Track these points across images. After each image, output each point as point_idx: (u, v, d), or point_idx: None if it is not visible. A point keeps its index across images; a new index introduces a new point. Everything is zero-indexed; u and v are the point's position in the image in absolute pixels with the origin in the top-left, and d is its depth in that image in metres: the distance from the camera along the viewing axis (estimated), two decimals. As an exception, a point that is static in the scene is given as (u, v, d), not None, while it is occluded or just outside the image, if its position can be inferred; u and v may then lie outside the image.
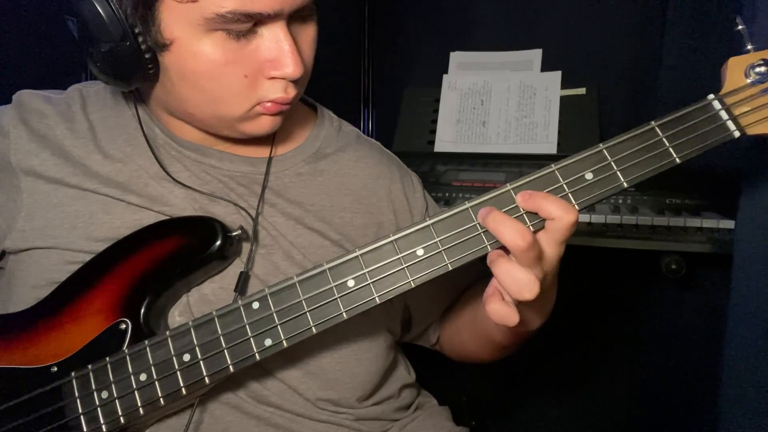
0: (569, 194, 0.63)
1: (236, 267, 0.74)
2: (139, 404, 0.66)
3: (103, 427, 0.66)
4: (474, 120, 1.55)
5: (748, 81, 0.64)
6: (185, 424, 0.69)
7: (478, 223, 0.63)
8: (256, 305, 0.65)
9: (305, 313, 0.64)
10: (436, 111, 1.59)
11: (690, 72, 1.33)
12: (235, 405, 0.73)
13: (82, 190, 0.73)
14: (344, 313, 0.64)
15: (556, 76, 1.53)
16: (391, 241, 0.64)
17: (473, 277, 0.90)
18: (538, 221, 0.63)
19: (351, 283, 0.64)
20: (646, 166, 0.63)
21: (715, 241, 1.12)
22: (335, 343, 0.76)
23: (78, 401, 0.67)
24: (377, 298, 0.64)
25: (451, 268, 0.64)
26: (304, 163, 0.82)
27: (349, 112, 1.73)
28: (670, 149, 0.63)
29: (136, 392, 0.66)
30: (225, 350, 0.65)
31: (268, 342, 0.65)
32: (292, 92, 0.71)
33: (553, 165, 0.64)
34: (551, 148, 1.45)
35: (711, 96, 0.65)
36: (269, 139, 0.80)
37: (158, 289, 0.70)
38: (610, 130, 1.46)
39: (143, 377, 0.66)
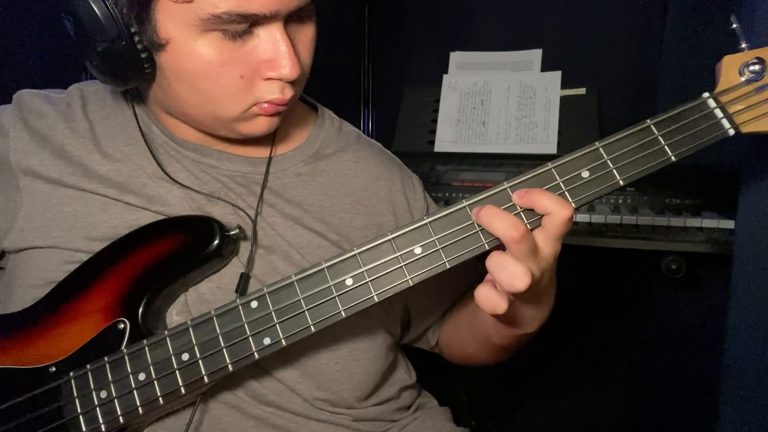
0: (566, 192, 0.64)
1: (234, 266, 0.74)
2: (138, 404, 0.66)
3: (102, 426, 0.66)
4: (474, 120, 1.55)
5: (743, 79, 0.64)
6: (185, 425, 0.69)
7: (475, 222, 0.64)
8: (254, 304, 0.66)
9: (304, 312, 0.65)
10: (436, 111, 1.59)
11: (690, 72, 1.33)
12: (234, 405, 0.73)
13: (80, 190, 0.73)
14: (342, 312, 0.64)
15: (556, 76, 1.53)
16: (389, 240, 0.64)
17: (472, 279, 0.90)
18: (535, 219, 0.64)
19: (349, 281, 0.64)
20: (642, 164, 0.64)
21: (715, 241, 1.12)
22: (333, 344, 0.76)
23: (77, 401, 0.67)
24: (375, 297, 0.64)
25: (449, 266, 0.64)
26: (303, 163, 0.82)
27: (349, 112, 1.72)
28: (666, 147, 0.64)
29: (134, 392, 0.66)
30: (224, 349, 0.65)
31: (266, 341, 0.65)
32: (289, 93, 0.71)
33: (549, 163, 0.64)
34: (551, 148, 1.45)
35: (706, 94, 0.65)
36: (269, 139, 0.80)
37: (156, 289, 0.70)
38: (610, 130, 1.45)
39: (142, 377, 0.66)
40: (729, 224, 1.11)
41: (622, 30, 1.56)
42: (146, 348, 0.67)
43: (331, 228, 0.80)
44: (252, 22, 0.65)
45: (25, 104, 0.78)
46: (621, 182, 0.64)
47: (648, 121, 0.65)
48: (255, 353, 0.65)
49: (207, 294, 0.73)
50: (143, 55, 0.66)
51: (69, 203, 0.73)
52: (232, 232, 0.71)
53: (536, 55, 1.59)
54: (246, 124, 0.72)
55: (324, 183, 0.82)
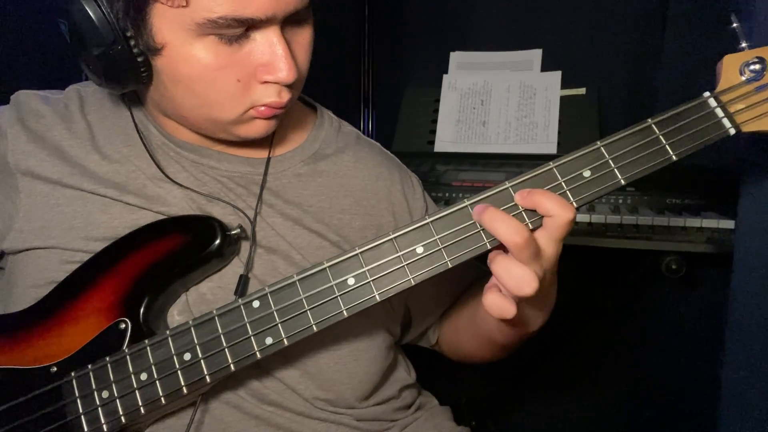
0: (567, 192, 0.64)
1: (234, 266, 0.74)
2: (140, 404, 0.66)
3: (104, 426, 0.66)
4: (474, 120, 1.55)
5: (743, 78, 0.64)
6: (186, 424, 0.69)
7: (477, 221, 0.63)
8: (256, 304, 0.66)
9: (306, 311, 0.65)
10: (436, 111, 1.59)
11: (690, 72, 1.33)
12: (236, 404, 0.73)
13: (79, 191, 0.73)
14: (345, 311, 0.64)
15: (556, 76, 1.53)
16: (391, 239, 0.64)
17: (473, 278, 0.90)
18: (536, 219, 0.63)
19: (351, 281, 0.64)
20: (644, 164, 0.64)
21: (715, 241, 1.12)
22: (334, 344, 0.76)
23: (78, 401, 0.67)
24: (377, 296, 0.64)
25: (450, 266, 0.64)
26: (303, 163, 0.82)
27: (349, 112, 1.72)
28: (667, 147, 0.64)
29: (136, 392, 0.66)
30: (226, 349, 0.65)
31: (269, 340, 0.65)
32: (286, 96, 0.70)
33: (551, 163, 0.64)
34: (551, 148, 1.45)
35: (707, 93, 0.65)
36: (268, 140, 0.80)
37: (157, 289, 0.70)
38: (609, 130, 1.45)
39: (144, 377, 0.66)
40: (729, 224, 1.11)
41: (622, 30, 1.56)
42: (148, 348, 0.67)
43: (331, 228, 0.80)
44: (248, 26, 0.65)
45: (23, 105, 0.77)
46: (622, 181, 0.64)
47: (649, 120, 0.65)
48: (257, 353, 0.65)
49: (208, 294, 0.73)
50: (140, 59, 0.66)
51: (68, 203, 0.73)
52: (233, 232, 0.71)
53: (536, 55, 1.59)
54: (243, 127, 0.72)
55: (323, 183, 0.82)
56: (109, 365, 0.67)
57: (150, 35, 0.65)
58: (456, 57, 1.65)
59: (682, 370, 1.48)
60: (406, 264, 0.64)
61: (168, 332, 0.67)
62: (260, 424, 0.73)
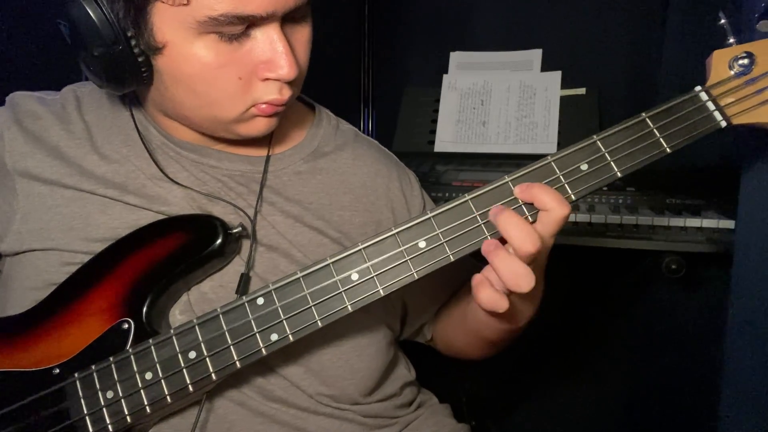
0: (566, 185, 0.65)
1: (235, 265, 0.74)
2: (146, 403, 0.66)
3: (110, 427, 0.66)
4: (474, 120, 1.55)
5: (732, 73, 0.66)
6: (191, 423, 0.69)
7: (478, 215, 0.65)
8: (260, 301, 0.66)
9: (310, 307, 0.65)
10: (436, 111, 1.59)
11: (689, 72, 1.33)
12: (240, 402, 0.73)
13: (78, 191, 0.73)
14: (349, 306, 0.65)
15: (556, 76, 1.53)
16: (393, 234, 0.65)
17: (467, 274, 0.91)
18: (533, 212, 0.65)
19: (355, 276, 0.65)
20: (639, 156, 0.66)
21: (715, 241, 1.12)
22: (336, 340, 0.77)
23: (82, 402, 0.67)
24: (381, 291, 0.65)
25: (453, 260, 0.65)
26: (302, 161, 0.82)
27: (349, 112, 1.72)
28: (661, 140, 0.66)
29: (142, 391, 0.66)
30: (231, 346, 0.66)
31: (274, 337, 0.65)
32: (287, 93, 0.71)
33: (549, 156, 0.66)
34: (551, 148, 1.45)
35: (698, 87, 0.67)
36: (267, 138, 0.80)
37: (160, 288, 0.70)
38: (610, 130, 1.46)
39: (149, 376, 0.66)
40: (729, 224, 1.11)
41: (622, 30, 1.56)
42: (152, 347, 0.67)
43: (331, 225, 0.80)
44: (249, 23, 0.65)
45: (19, 106, 0.77)
46: (619, 174, 0.65)
47: (643, 114, 0.66)
48: (263, 349, 0.65)
49: (209, 293, 0.73)
50: (140, 59, 0.66)
51: (67, 204, 0.73)
52: (234, 230, 0.72)
53: (536, 55, 1.59)
54: (244, 126, 0.72)
55: (323, 181, 0.82)
56: (113, 365, 0.67)
57: (151, 34, 0.65)
58: (456, 57, 1.65)
59: (682, 369, 1.47)
60: (409, 258, 0.65)
61: (172, 331, 0.67)
62: (265, 421, 0.74)
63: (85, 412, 0.66)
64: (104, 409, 0.66)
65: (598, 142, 0.66)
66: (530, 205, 0.64)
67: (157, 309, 0.70)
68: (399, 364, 0.87)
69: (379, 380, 0.81)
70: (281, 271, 0.74)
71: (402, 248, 0.65)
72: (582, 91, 1.51)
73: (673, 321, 1.50)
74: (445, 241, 0.65)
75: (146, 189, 0.74)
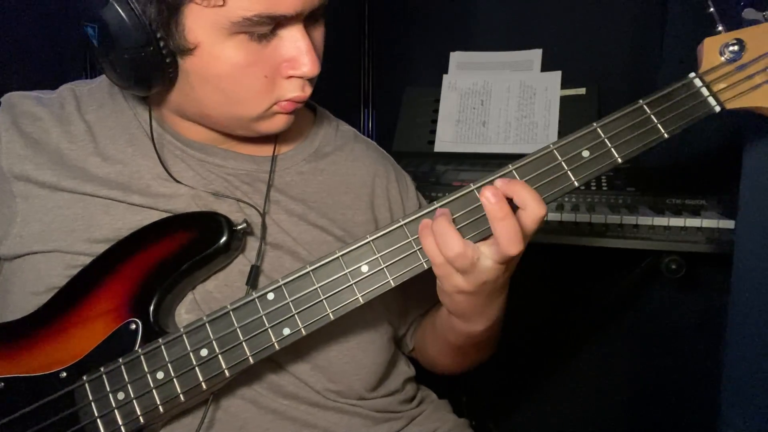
0: (568, 171, 0.66)
1: (239, 264, 0.74)
2: (159, 402, 0.66)
3: (122, 428, 0.66)
4: (474, 120, 1.55)
5: (723, 59, 0.68)
6: (199, 423, 0.69)
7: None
8: (271, 296, 0.66)
9: (322, 300, 0.66)
10: (436, 111, 1.59)
11: (689, 71, 1.32)
12: (252, 399, 0.73)
13: (79, 194, 0.73)
14: (360, 298, 0.66)
15: (556, 76, 1.53)
16: (401, 226, 0.66)
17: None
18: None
19: (365, 268, 0.66)
20: (638, 142, 0.67)
21: (715, 241, 1.12)
22: (342, 336, 0.77)
23: (93, 405, 0.66)
24: (392, 281, 0.66)
25: None
26: (305, 162, 0.83)
27: (349, 112, 1.73)
28: (659, 125, 0.67)
29: (154, 391, 0.66)
30: (243, 342, 0.66)
31: (286, 331, 0.66)
32: (308, 90, 0.72)
33: (551, 144, 0.67)
34: (551, 148, 1.45)
35: (692, 74, 0.69)
36: (272, 138, 0.81)
37: (166, 287, 0.70)
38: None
39: (160, 375, 0.66)
40: (729, 224, 1.11)
41: (622, 30, 1.56)
42: (162, 346, 0.66)
43: (335, 224, 0.80)
44: (276, 23, 0.66)
45: (17, 107, 0.76)
46: (619, 160, 0.67)
47: (640, 101, 0.68)
48: (275, 344, 0.66)
49: (214, 292, 0.73)
50: (168, 60, 0.66)
51: (67, 206, 0.73)
52: (239, 227, 0.72)
53: (536, 55, 1.59)
54: (265, 123, 0.73)
55: (324, 181, 0.83)
56: (122, 366, 0.67)
57: (182, 36, 0.65)
58: (456, 57, 1.65)
59: (682, 369, 1.48)
60: (418, 249, 0.66)
61: (182, 329, 0.67)
62: (276, 418, 0.74)
63: (96, 414, 0.66)
64: (116, 411, 0.66)
65: (598, 129, 0.67)
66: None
67: (164, 308, 0.70)
68: (400, 361, 0.88)
69: (383, 375, 0.82)
70: (286, 268, 0.74)
71: (411, 239, 0.66)
72: (582, 91, 1.52)
73: (673, 321, 1.50)
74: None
75: (151, 188, 0.74)
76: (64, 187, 0.73)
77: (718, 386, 0.91)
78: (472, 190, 0.66)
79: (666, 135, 0.67)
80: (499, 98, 1.56)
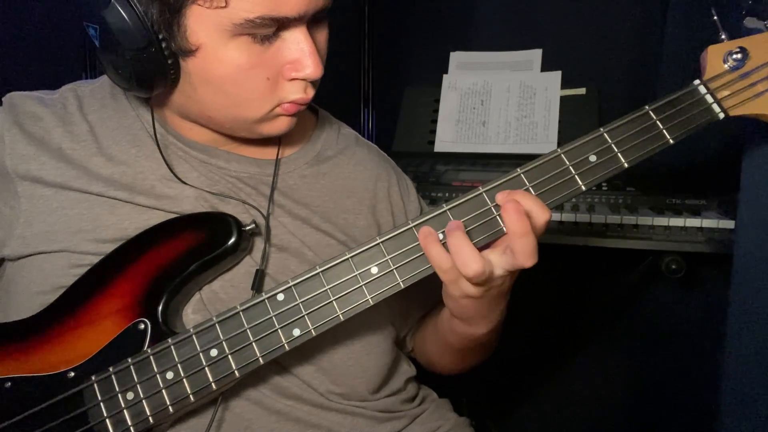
0: (576, 176, 0.67)
1: (246, 265, 0.74)
2: (168, 402, 0.66)
3: (132, 428, 0.66)
4: (474, 120, 1.55)
5: (727, 67, 0.69)
6: (207, 423, 0.69)
7: (492, 207, 0.66)
8: (281, 297, 0.67)
9: (332, 301, 0.66)
10: (436, 111, 1.59)
11: (690, 72, 1.33)
12: (257, 400, 0.73)
13: (85, 193, 0.73)
14: (370, 300, 0.66)
15: (556, 76, 1.53)
16: (410, 228, 0.66)
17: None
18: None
19: (374, 270, 0.66)
20: (644, 147, 0.68)
21: (715, 241, 1.12)
22: (347, 339, 0.77)
23: (102, 405, 0.66)
24: (401, 283, 0.66)
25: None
26: (307, 165, 0.83)
27: (349, 112, 1.73)
28: (664, 131, 0.68)
29: (163, 391, 0.66)
30: (253, 343, 0.66)
31: (296, 332, 0.66)
32: (311, 92, 0.72)
33: (559, 149, 0.68)
34: (551, 148, 1.42)
35: (697, 81, 0.70)
36: (274, 141, 0.81)
37: (175, 287, 0.69)
38: (610, 130, 1.46)
39: (170, 375, 0.66)
40: (729, 224, 1.12)
41: (622, 30, 1.56)
42: (172, 347, 0.66)
43: (338, 228, 0.81)
44: (279, 24, 0.66)
45: (18, 107, 0.76)
46: (626, 165, 0.68)
47: (646, 107, 0.69)
48: (285, 345, 0.66)
49: (220, 292, 0.73)
50: (170, 61, 0.66)
51: (72, 206, 0.72)
52: (248, 227, 0.72)
53: (536, 55, 1.59)
54: (268, 125, 0.73)
55: (326, 185, 0.83)
56: (131, 366, 0.66)
57: (184, 37, 0.65)
58: (456, 57, 1.65)
59: (682, 369, 1.48)
60: None
61: (192, 329, 0.67)
62: (281, 419, 0.74)
63: (105, 414, 0.66)
64: (125, 411, 0.66)
65: (605, 134, 0.68)
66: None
67: (172, 308, 0.70)
68: (402, 361, 0.88)
69: (386, 377, 0.82)
70: (292, 271, 0.74)
71: (420, 241, 0.66)
72: (582, 91, 1.52)
73: (673, 321, 1.51)
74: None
75: (156, 189, 0.74)
76: (71, 187, 0.73)
77: (718, 386, 0.92)
78: (481, 194, 0.66)
79: (671, 141, 0.68)
80: (499, 98, 1.56)
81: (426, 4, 1.71)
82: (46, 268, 0.72)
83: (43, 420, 0.66)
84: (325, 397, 0.76)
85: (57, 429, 0.66)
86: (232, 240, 0.70)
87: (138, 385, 0.66)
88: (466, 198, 0.66)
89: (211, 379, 0.66)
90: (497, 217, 0.66)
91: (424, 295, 0.88)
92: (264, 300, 0.67)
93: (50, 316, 0.70)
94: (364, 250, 0.66)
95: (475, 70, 1.62)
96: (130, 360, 0.67)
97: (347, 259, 0.66)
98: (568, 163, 0.67)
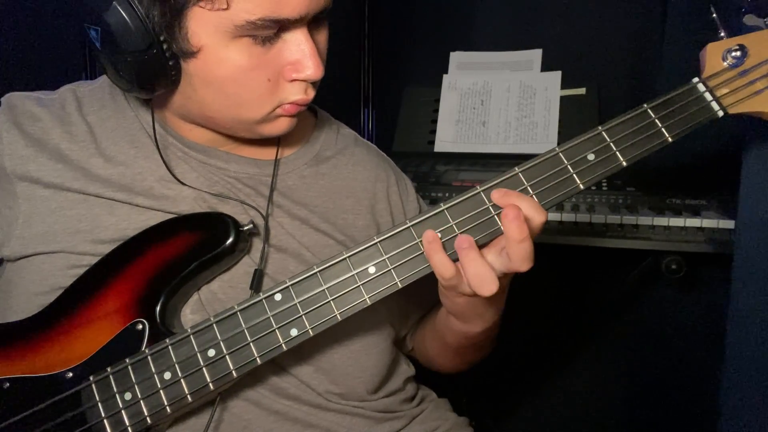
0: (574, 175, 0.67)
1: (244, 265, 0.74)
2: (166, 403, 0.66)
3: (129, 429, 0.66)
4: (474, 120, 1.55)
5: (726, 64, 0.68)
6: (205, 423, 0.69)
7: (490, 206, 0.66)
8: (278, 297, 0.66)
9: (329, 301, 0.66)
10: (436, 111, 1.59)
11: (689, 72, 1.33)
12: (255, 401, 0.73)
13: (83, 194, 0.73)
14: (368, 299, 0.66)
15: (556, 76, 1.53)
16: (408, 227, 0.66)
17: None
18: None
19: (372, 269, 0.66)
20: (643, 146, 0.68)
21: (715, 241, 1.12)
22: (346, 339, 0.77)
23: (99, 405, 0.66)
24: (399, 283, 0.66)
25: None
26: (306, 166, 0.83)
27: (349, 112, 1.73)
28: (663, 129, 0.68)
29: (161, 391, 0.66)
30: (251, 343, 0.66)
31: (293, 332, 0.66)
32: (311, 93, 0.72)
33: (557, 148, 0.67)
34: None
35: (695, 79, 0.69)
36: (274, 141, 0.81)
37: (173, 288, 0.70)
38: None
39: (167, 375, 0.66)
40: (729, 224, 1.11)
41: (622, 30, 1.56)
42: (169, 347, 0.66)
43: (337, 228, 0.81)
44: (280, 26, 0.66)
45: (17, 108, 0.76)
46: (624, 163, 0.67)
47: (645, 105, 0.68)
48: (283, 345, 0.66)
49: (219, 292, 0.73)
50: (170, 63, 0.66)
51: (71, 207, 0.73)
52: (246, 227, 0.72)
53: (536, 55, 1.59)
54: (268, 126, 0.73)
55: (325, 186, 0.83)
56: (129, 367, 0.66)
57: (185, 39, 0.65)
58: (456, 57, 1.65)
59: (682, 369, 1.48)
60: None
61: (189, 330, 0.67)
62: (279, 419, 0.74)
63: (103, 415, 0.66)
64: (123, 412, 0.66)
65: (603, 132, 0.67)
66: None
67: (170, 308, 0.70)
68: (401, 361, 0.88)
69: (385, 377, 0.82)
70: (290, 271, 0.74)
71: (418, 240, 0.66)
72: (582, 91, 1.51)
73: (673, 321, 1.51)
74: (460, 233, 0.66)
75: (154, 190, 0.74)
76: (69, 188, 0.73)
77: (718, 386, 0.92)
78: (479, 193, 0.66)
79: (670, 139, 0.67)
80: (499, 98, 1.56)
81: (426, 4, 1.71)
82: (45, 268, 0.72)
83: (41, 420, 0.66)
84: (324, 397, 0.76)
85: (55, 429, 0.66)
86: (230, 240, 0.70)
87: (136, 386, 0.66)
88: (463, 197, 0.66)
89: (208, 380, 0.66)
90: (495, 216, 0.66)
91: (423, 296, 0.88)
92: (261, 300, 0.67)
93: (49, 316, 0.70)
94: (361, 250, 0.66)
95: (475, 70, 1.62)
96: (128, 360, 0.67)
97: (345, 258, 0.66)
98: (566, 162, 0.67)
